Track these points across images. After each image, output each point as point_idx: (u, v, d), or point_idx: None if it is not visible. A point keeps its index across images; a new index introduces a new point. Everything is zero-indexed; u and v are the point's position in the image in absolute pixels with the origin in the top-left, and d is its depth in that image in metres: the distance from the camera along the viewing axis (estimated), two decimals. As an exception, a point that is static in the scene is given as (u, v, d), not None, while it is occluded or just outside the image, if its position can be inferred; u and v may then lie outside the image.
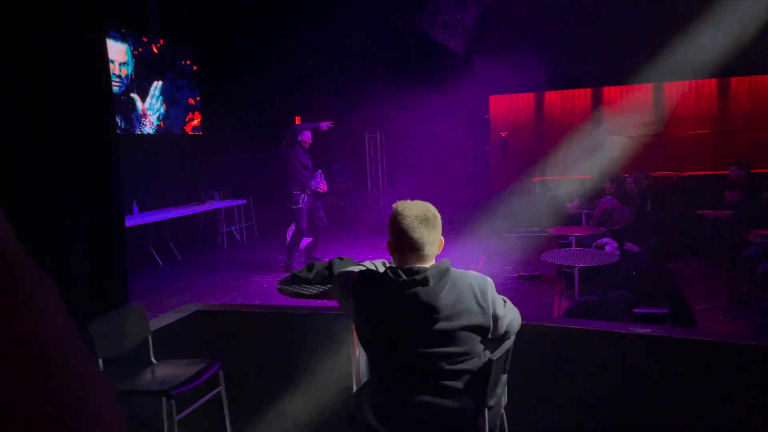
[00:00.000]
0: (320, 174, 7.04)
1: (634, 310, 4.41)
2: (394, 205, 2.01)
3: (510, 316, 2.01)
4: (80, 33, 2.81)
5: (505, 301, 2.02)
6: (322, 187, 7.03)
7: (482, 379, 1.91)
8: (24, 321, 0.50)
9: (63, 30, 2.71)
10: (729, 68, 9.01)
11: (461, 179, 9.95)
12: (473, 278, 1.94)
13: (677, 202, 7.53)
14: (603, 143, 9.92)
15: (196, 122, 9.75)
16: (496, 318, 1.92)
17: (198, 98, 9.78)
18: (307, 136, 6.85)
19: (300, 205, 6.83)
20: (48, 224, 2.64)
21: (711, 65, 9.24)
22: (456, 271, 1.94)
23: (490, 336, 1.94)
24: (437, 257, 1.97)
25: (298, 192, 6.80)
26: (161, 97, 8.85)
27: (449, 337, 1.86)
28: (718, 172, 9.05)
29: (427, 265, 1.92)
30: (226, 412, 2.82)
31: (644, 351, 2.53)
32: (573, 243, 5.78)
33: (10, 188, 2.43)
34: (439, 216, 1.97)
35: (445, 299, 1.86)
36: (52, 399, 0.47)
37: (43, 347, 0.49)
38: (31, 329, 0.50)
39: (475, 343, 1.89)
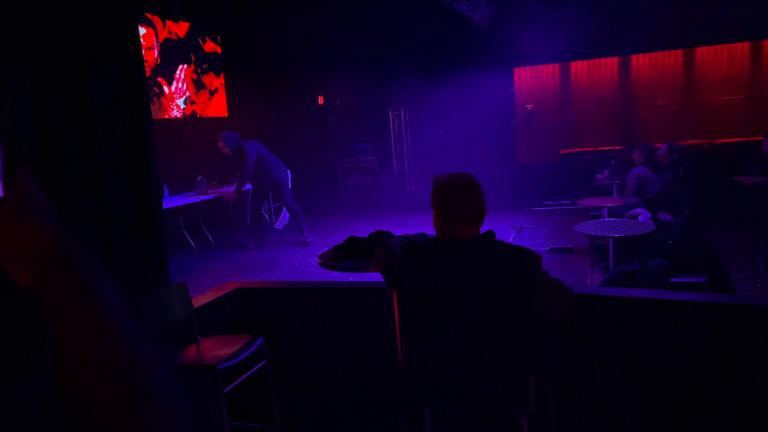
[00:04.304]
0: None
1: (671, 280, 4.35)
2: (434, 177, 2.01)
3: (553, 288, 1.95)
4: (112, 18, 2.84)
5: (550, 277, 1.97)
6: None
7: (529, 344, 1.92)
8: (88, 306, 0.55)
9: (96, 16, 2.74)
10: (764, 31, 8.74)
11: (487, 154, 9.88)
12: (518, 250, 1.93)
13: (711, 170, 7.38)
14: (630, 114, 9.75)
15: (221, 105, 9.80)
16: (535, 289, 1.88)
17: (222, 81, 9.82)
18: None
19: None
20: (93, 207, 2.71)
21: (743, 28, 8.97)
22: (501, 242, 1.94)
23: (531, 308, 1.91)
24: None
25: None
26: (186, 81, 8.91)
27: (494, 303, 1.87)
28: (752, 139, 8.83)
29: (472, 234, 1.92)
30: (271, 384, 2.88)
31: (687, 318, 2.51)
32: (605, 214, 5.71)
33: (57, 175, 2.49)
34: (480, 186, 1.96)
35: (488, 267, 1.87)
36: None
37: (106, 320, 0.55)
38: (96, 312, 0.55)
39: (518, 311, 1.90)
